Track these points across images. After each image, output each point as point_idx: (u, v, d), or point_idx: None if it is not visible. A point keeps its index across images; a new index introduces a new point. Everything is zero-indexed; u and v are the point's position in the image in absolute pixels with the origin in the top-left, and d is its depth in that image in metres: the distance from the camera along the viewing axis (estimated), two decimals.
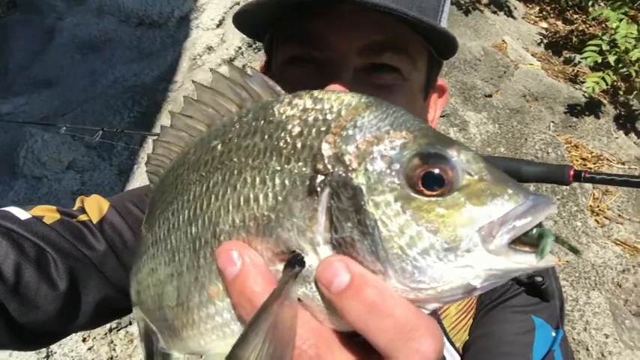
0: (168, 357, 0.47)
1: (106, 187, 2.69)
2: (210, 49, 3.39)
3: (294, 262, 0.34)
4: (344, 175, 0.33)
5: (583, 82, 3.70)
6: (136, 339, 2.22)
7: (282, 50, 0.72)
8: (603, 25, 4.39)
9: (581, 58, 3.77)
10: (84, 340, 2.16)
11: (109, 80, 3.30)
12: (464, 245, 0.31)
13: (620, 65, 3.57)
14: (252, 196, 0.36)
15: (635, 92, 3.68)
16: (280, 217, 0.34)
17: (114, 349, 2.20)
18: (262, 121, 0.38)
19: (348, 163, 0.33)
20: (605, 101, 3.80)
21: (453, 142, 0.33)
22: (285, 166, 0.35)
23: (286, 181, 0.35)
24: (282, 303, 0.32)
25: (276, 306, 0.32)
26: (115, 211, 0.79)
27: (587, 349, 2.30)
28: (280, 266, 0.35)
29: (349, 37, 0.65)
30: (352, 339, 0.35)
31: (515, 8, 4.58)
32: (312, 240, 0.34)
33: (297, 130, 0.35)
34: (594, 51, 3.53)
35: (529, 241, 0.31)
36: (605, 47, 3.55)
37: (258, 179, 0.36)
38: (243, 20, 0.69)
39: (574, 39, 4.40)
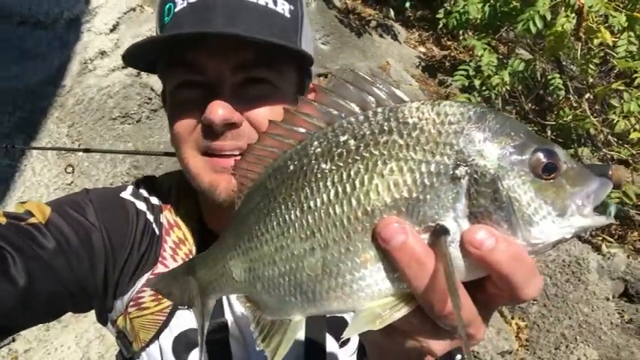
0: (282, 323, 0.54)
1: None
2: (103, 53, 3.28)
3: (441, 231, 0.44)
4: (482, 165, 0.45)
5: None
6: (20, 356, 2.11)
7: (170, 78, 0.86)
8: (471, 53, 4.99)
9: (453, 81, 4.27)
10: None
11: None
12: (568, 212, 0.45)
13: (484, 88, 4.12)
14: (401, 181, 0.45)
15: None
16: (427, 198, 0.45)
17: None
18: (395, 122, 0.47)
19: (484, 156, 0.45)
20: None
21: (552, 142, 0.48)
22: (430, 158, 0.45)
23: (432, 170, 0.45)
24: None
25: (451, 264, 0.43)
26: (57, 214, 0.83)
27: None
28: (424, 236, 0.45)
29: (221, 61, 0.80)
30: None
31: (399, 33, 5.04)
32: (454, 214, 0.45)
33: (435, 130, 0.46)
34: (463, 75, 4.02)
35: (598, 209, 0.46)
36: (471, 72, 4.05)
37: (405, 168, 0.45)
38: (133, 60, 0.83)
39: (447, 63, 4.95)
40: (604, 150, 3.82)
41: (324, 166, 0.49)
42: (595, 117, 3.75)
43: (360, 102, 0.49)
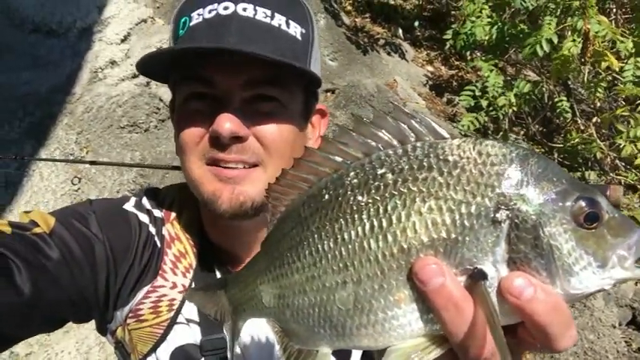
0: (309, 353, 0.54)
1: None
2: (113, 63, 3.32)
3: (479, 275, 0.43)
4: (524, 210, 0.44)
5: (460, 121, 4.21)
6: (22, 359, 2.10)
7: (181, 89, 0.88)
8: (479, 73, 5.02)
9: (460, 100, 4.29)
10: None
11: None
12: (609, 264, 0.44)
13: (491, 109, 4.13)
14: (439, 220, 0.44)
15: (501, 133, 4.26)
16: (466, 240, 0.44)
17: None
18: (435, 159, 0.46)
19: (526, 201, 0.44)
20: None
21: (595, 190, 0.46)
22: (470, 199, 0.44)
23: (472, 211, 0.44)
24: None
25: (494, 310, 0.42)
26: (61, 225, 0.83)
27: None
28: (460, 279, 0.44)
29: (232, 76, 0.82)
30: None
31: (406, 51, 5.08)
32: (493, 259, 0.44)
33: (476, 170, 0.45)
34: (469, 95, 4.04)
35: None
36: (477, 93, 4.07)
37: (444, 207, 0.44)
38: (146, 68, 0.86)
39: (454, 83, 4.98)
40: (611, 174, 3.81)
41: (360, 198, 0.48)
42: (602, 141, 3.75)
43: (399, 135, 0.48)
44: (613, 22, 3.95)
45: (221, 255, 0.96)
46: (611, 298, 3.18)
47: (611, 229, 0.45)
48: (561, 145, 4.14)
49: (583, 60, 3.46)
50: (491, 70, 4.10)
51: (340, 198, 0.49)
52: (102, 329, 0.96)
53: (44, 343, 2.31)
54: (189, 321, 0.90)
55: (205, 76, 0.83)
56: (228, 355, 0.66)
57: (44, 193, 2.70)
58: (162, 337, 0.89)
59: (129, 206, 0.96)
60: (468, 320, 0.43)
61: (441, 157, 0.46)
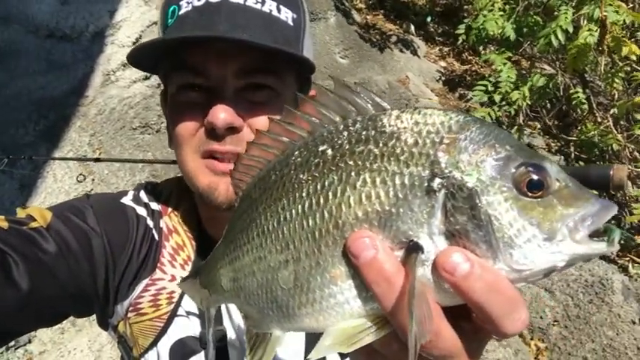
0: (264, 336, 0.53)
1: (6, 201, 2.57)
2: (125, 65, 3.37)
3: (414, 248, 0.41)
4: (459, 178, 0.41)
5: None
6: (35, 357, 2.15)
7: (172, 79, 0.86)
8: (492, 67, 4.95)
9: (472, 95, 4.23)
10: None
11: (12, 91, 3.16)
12: (558, 236, 0.39)
13: (504, 103, 4.06)
14: (373, 193, 0.42)
15: (515, 127, 4.18)
16: (400, 212, 0.41)
17: None
18: (373, 131, 0.44)
19: (462, 168, 0.41)
20: None
21: (544, 157, 0.43)
22: (405, 169, 0.42)
23: (406, 182, 0.42)
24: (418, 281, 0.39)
25: (417, 284, 0.39)
26: (58, 219, 0.83)
27: None
28: (398, 253, 0.42)
29: (224, 65, 0.81)
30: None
31: (419, 47, 5.04)
32: (429, 231, 0.41)
33: (412, 139, 0.43)
34: (482, 90, 3.98)
35: (597, 234, 0.40)
36: (490, 88, 4.01)
37: (378, 180, 0.42)
38: (137, 59, 0.85)
39: (468, 78, 4.91)
40: (629, 167, 3.70)
41: (301, 176, 0.47)
42: (620, 132, 3.65)
43: (341, 111, 0.47)
44: (632, 9, 3.83)
45: None
46: (630, 293, 3.08)
47: (562, 198, 0.41)
48: (577, 139, 4.05)
49: (600, 49, 3.37)
50: (504, 64, 4.04)
51: (284, 177, 0.49)
52: (104, 324, 0.97)
53: (57, 341, 2.36)
54: (189, 313, 0.89)
55: (197, 65, 0.81)
56: (208, 344, 0.65)
57: (58, 194, 2.75)
58: (163, 330, 0.88)
59: (126, 200, 0.95)
60: (399, 295, 0.40)
61: (379, 129, 0.44)
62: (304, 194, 0.46)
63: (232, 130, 0.81)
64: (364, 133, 0.45)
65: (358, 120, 0.46)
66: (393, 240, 0.42)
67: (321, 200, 0.45)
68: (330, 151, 0.46)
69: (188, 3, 0.82)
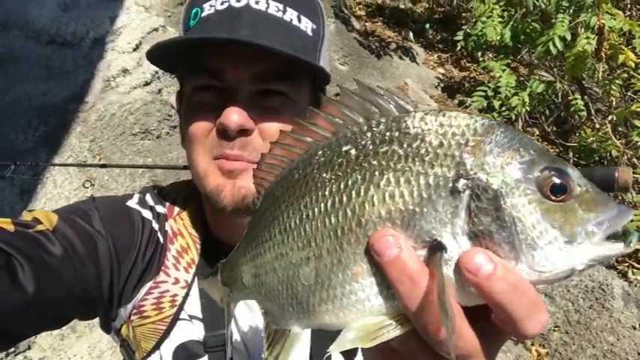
0: (283, 333, 0.53)
1: (6, 206, 2.56)
2: (125, 71, 3.38)
3: (437, 247, 0.41)
4: (484, 180, 0.41)
5: None
6: None
7: (189, 80, 0.87)
8: (491, 74, 4.98)
9: (472, 101, 4.25)
10: None
11: (13, 97, 3.16)
12: (578, 239, 0.40)
13: (504, 109, 4.08)
14: (397, 192, 0.43)
15: None
16: (424, 211, 0.42)
17: None
18: (397, 132, 0.45)
19: (487, 170, 0.41)
20: None
21: (566, 162, 0.44)
22: (429, 169, 0.42)
23: (431, 182, 0.42)
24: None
25: (443, 283, 0.39)
26: (64, 222, 0.83)
27: None
28: (421, 252, 0.42)
29: (241, 69, 0.81)
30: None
31: (417, 54, 5.07)
32: (452, 231, 0.41)
33: (437, 141, 0.43)
34: (481, 96, 4.00)
35: (615, 236, 0.41)
36: (490, 93, 4.03)
37: (402, 179, 0.43)
38: (155, 56, 0.85)
39: (466, 84, 4.94)
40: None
41: (324, 175, 0.48)
42: (618, 139, 3.67)
43: (365, 112, 0.47)
44: (628, 17, 3.87)
45: (224, 250, 0.96)
46: (630, 299, 3.08)
47: (584, 203, 0.42)
48: (576, 145, 4.07)
49: (598, 56, 3.40)
50: (504, 70, 4.06)
51: (307, 176, 0.49)
52: (106, 327, 0.96)
53: (57, 347, 2.34)
54: (192, 317, 0.89)
55: (215, 67, 0.82)
56: (226, 342, 0.66)
57: (58, 200, 2.74)
58: (166, 334, 0.88)
59: (132, 203, 0.95)
60: (423, 294, 0.41)
61: (403, 130, 0.45)
62: (327, 192, 0.47)
63: (243, 132, 0.81)
64: (388, 134, 0.45)
65: (382, 121, 0.46)
66: (416, 239, 0.43)
67: (344, 198, 0.46)
68: (353, 151, 0.46)
69: (211, 6, 0.83)
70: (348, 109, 0.48)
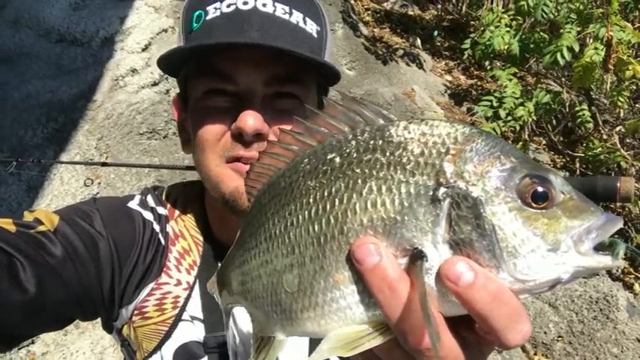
0: (268, 340, 0.53)
1: (13, 202, 2.57)
2: (134, 71, 3.40)
3: (418, 256, 0.41)
4: (464, 188, 0.41)
5: None
6: (38, 358, 2.13)
7: (198, 84, 0.87)
8: (499, 82, 4.98)
9: (478, 110, 4.24)
10: None
11: (22, 94, 3.18)
12: (562, 247, 0.40)
13: (509, 119, 4.07)
14: (379, 201, 0.43)
15: (521, 143, 4.19)
16: (405, 220, 0.42)
17: None
18: (381, 141, 0.45)
19: (467, 179, 0.41)
20: None
21: (548, 169, 0.43)
22: (410, 178, 0.42)
23: (411, 190, 0.42)
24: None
25: (424, 291, 0.39)
26: (65, 223, 0.82)
27: None
28: (402, 260, 0.42)
29: (254, 72, 0.82)
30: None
31: (425, 61, 5.08)
32: (433, 239, 0.41)
33: (418, 149, 0.43)
34: (487, 105, 3.99)
35: (602, 247, 0.40)
36: (495, 103, 4.02)
37: (384, 187, 0.43)
38: (166, 64, 0.87)
39: (474, 92, 4.94)
40: (636, 184, 3.69)
41: (309, 183, 0.48)
42: (627, 150, 3.65)
43: (350, 122, 0.48)
44: (638, 30, 3.86)
45: (226, 252, 0.96)
46: (635, 311, 3.06)
47: (567, 210, 0.41)
48: (583, 155, 4.05)
49: (605, 67, 3.39)
50: (510, 80, 4.06)
51: (293, 184, 0.50)
52: (108, 327, 0.96)
53: (60, 343, 2.34)
54: (193, 318, 0.89)
55: (226, 71, 0.82)
56: (228, 346, 0.66)
57: (64, 197, 2.75)
58: (167, 335, 0.88)
59: (133, 204, 0.95)
60: (403, 303, 0.40)
61: (387, 139, 0.45)
62: (311, 200, 0.47)
63: (259, 136, 0.81)
64: (372, 142, 0.46)
65: (366, 130, 0.47)
66: (397, 247, 0.42)
67: (328, 206, 0.46)
68: (338, 159, 0.47)
69: (216, 9, 0.82)
70: (333, 119, 0.48)
